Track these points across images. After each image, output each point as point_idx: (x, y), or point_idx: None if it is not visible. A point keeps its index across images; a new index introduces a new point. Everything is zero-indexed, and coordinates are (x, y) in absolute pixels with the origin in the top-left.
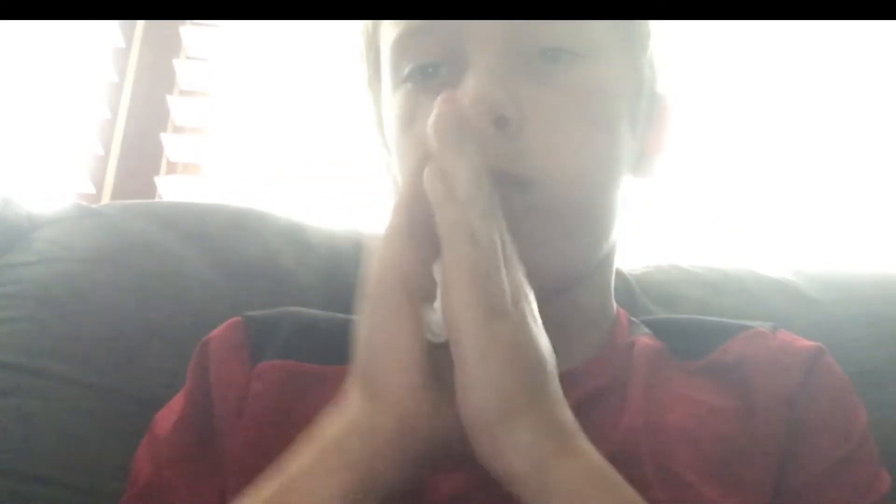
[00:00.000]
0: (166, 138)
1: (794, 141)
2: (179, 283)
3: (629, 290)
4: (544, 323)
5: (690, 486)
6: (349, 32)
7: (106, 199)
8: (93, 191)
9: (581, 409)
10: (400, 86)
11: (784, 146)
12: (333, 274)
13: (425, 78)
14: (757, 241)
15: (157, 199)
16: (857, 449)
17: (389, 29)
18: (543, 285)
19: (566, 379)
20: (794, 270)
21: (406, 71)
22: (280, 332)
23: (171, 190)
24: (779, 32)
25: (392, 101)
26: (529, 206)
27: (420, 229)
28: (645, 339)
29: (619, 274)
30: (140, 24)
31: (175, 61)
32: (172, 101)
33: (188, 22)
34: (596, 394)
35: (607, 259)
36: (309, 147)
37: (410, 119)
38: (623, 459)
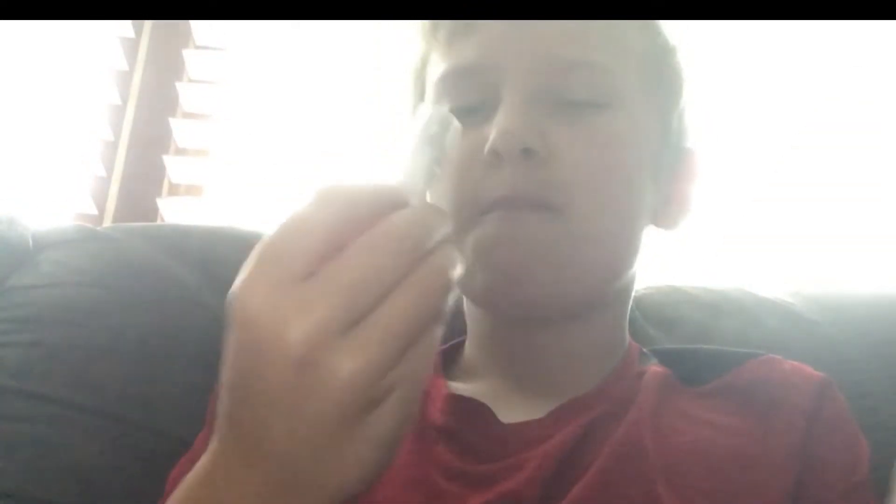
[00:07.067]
0: (169, 160)
1: (791, 158)
2: (185, 311)
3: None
4: (560, 351)
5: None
6: (350, 53)
7: (108, 221)
8: (95, 212)
9: (590, 432)
10: None
11: (782, 163)
12: None
13: (464, 115)
14: (755, 261)
15: (159, 222)
16: (862, 481)
17: (436, 65)
18: (563, 310)
19: (577, 403)
20: (793, 292)
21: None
22: None
23: (174, 212)
24: (780, 46)
25: None
26: (558, 233)
27: None
28: (654, 367)
29: None
30: (143, 46)
31: (178, 84)
32: (175, 123)
33: (191, 45)
34: (605, 417)
35: (623, 293)
36: (311, 168)
37: None
38: (633, 479)
